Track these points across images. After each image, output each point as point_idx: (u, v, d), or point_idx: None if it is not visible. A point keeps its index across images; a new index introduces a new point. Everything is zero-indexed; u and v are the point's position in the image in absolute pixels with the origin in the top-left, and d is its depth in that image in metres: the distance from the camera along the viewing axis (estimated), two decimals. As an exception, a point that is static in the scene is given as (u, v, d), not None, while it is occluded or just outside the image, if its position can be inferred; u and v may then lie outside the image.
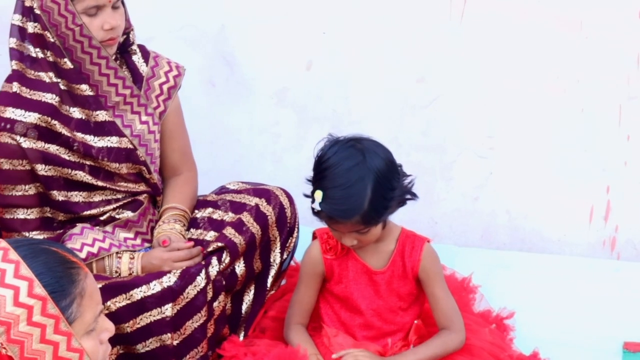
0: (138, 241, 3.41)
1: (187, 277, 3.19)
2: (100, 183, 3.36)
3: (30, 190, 3.30)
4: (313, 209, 3.02)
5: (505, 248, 4.32)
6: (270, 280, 3.51)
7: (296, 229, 3.57)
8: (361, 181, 2.97)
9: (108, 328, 2.18)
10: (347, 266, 3.22)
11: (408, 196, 3.10)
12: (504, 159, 4.31)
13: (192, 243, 3.33)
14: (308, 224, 3.59)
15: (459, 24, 4.17)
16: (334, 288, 3.24)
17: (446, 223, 4.30)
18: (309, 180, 3.13)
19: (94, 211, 3.38)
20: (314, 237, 3.32)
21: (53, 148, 3.28)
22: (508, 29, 4.16)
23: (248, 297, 3.47)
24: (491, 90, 4.23)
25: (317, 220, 3.19)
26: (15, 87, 3.26)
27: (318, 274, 3.26)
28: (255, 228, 3.38)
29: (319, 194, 2.97)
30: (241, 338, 3.40)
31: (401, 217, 3.25)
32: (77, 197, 3.36)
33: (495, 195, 4.34)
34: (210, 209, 3.51)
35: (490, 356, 3.26)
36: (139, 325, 3.15)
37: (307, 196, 3.13)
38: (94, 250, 3.25)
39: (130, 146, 3.36)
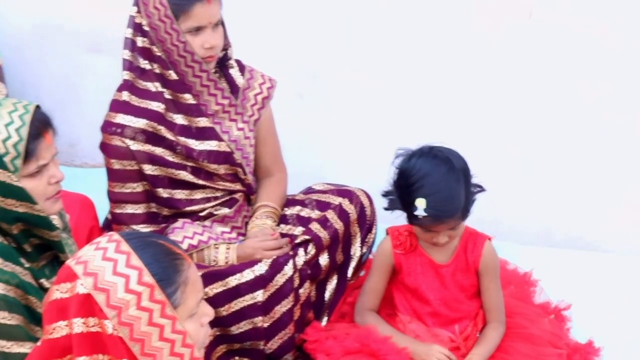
0: (233, 234, 3.48)
1: (276, 266, 3.29)
2: (200, 182, 3.45)
3: (138, 187, 3.41)
4: (416, 215, 3.06)
5: (563, 247, 4.28)
6: (350, 271, 3.56)
7: (375, 226, 3.61)
8: (458, 182, 3.10)
9: (208, 313, 2.22)
10: (415, 260, 3.32)
11: (477, 189, 3.21)
12: (566, 164, 4.31)
13: (278, 234, 3.40)
14: (383, 222, 3.58)
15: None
16: (405, 280, 3.33)
17: (509, 222, 4.30)
18: (386, 194, 3.24)
19: (194, 207, 3.47)
20: (387, 233, 3.39)
21: (159, 150, 3.38)
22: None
23: (331, 286, 3.53)
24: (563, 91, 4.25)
25: (392, 218, 3.30)
26: (126, 95, 3.37)
27: (388, 266, 3.36)
28: (338, 224, 3.45)
29: (421, 202, 3.04)
30: (324, 323, 3.47)
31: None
32: (180, 194, 3.45)
33: (554, 198, 4.35)
34: (298, 207, 3.59)
35: (549, 344, 3.33)
36: (233, 310, 3.27)
37: (388, 208, 3.25)
38: (194, 242, 3.36)
39: (228, 150, 3.43)
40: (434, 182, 3.08)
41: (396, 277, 3.38)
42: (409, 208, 3.10)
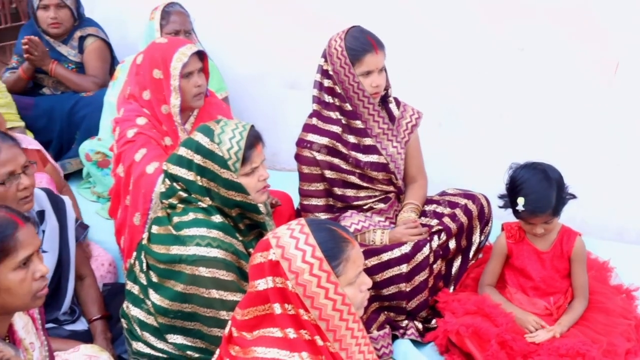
0: (387, 223, 3.49)
1: (417, 247, 3.32)
2: (365, 184, 3.48)
3: (320, 186, 3.46)
4: (517, 210, 3.15)
5: (635, 243, 4.14)
6: (471, 253, 3.57)
7: (491, 221, 3.59)
8: (550, 187, 3.13)
9: (366, 282, 2.26)
10: (523, 248, 3.32)
11: (569, 196, 3.22)
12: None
13: (419, 224, 3.40)
14: (497, 219, 3.59)
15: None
16: (514, 262, 3.35)
17: (592, 222, 4.15)
18: (501, 197, 3.28)
19: (360, 202, 3.49)
20: (502, 228, 3.41)
21: (336, 160, 3.43)
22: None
23: (456, 263, 3.53)
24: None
25: (505, 214, 3.32)
26: (314, 120, 3.45)
27: (503, 253, 3.36)
28: (463, 219, 3.47)
29: (521, 200, 3.12)
30: (451, 290, 3.47)
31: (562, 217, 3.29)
32: (349, 192, 3.48)
33: (629, 202, 4.20)
34: (434, 205, 3.56)
35: (621, 316, 3.29)
36: (384, 277, 3.30)
37: (502, 207, 3.29)
38: (359, 227, 3.40)
39: (385, 162, 3.45)
40: (531, 186, 3.15)
41: (508, 260, 3.40)
42: (513, 205, 3.17)
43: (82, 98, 4.97)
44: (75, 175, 4.82)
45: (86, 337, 3.24)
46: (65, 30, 5.05)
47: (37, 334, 2.42)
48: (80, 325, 3.36)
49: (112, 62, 5.16)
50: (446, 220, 3.47)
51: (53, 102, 5.01)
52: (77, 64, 5.11)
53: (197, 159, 2.93)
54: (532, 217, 3.18)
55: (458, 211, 3.50)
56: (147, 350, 3.02)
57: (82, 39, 5.09)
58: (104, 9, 5.42)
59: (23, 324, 2.37)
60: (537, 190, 3.15)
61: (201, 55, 3.62)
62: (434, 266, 3.40)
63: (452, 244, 3.47)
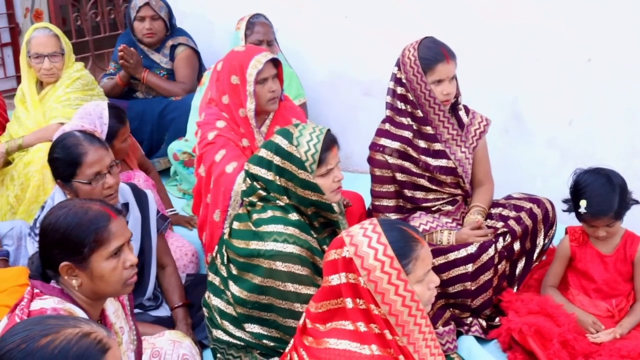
0: (454, 224, 3.43)
1: (482, 248, 3.26)
2: (433, 187, 3.43)
3: (391, 188, 3.41)
4: (579, 213, 3.08)
5: None
6: (535, 255, 3.47)
7: (555, 225, 3.49)
8: (613, 192, 3.05)
9: (434, 280, 2.26)
10: (586, 251, 3.24)
11: (632, 201, 3.13)
12: None
13: (485, 226, 3.35)
14: (561, 223, 3.50)
15: None
16: (578, 265, 3.27)
17: None
18: (565, 201, 3.20)
19: (428, 204, 3.44)
20: (566, 232, 3.33)
21: (407, 164, 3.39)
22: None
23: (520, 264, 3.44)
24: None
25: (569, 218, 3.24)
26: (387, 126, 3.42)
27: (567, 256, 3.29)
28: (528, 222, 3.38)
29: (583, 202, 3.05)
30: (514, 290, 3.41)
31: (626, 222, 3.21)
32: (419, 194, 3.43)
33: None
34: (500, 208, 3.50)
35: None
36: (451, 275, 3.25)
37: (566, 210, 3.20)
38: (427, 227, 3.36)
39: (454, 166, 3.41)
40: (594, 189, 3.08)
41: (571, 262, 3.32)
42: (576, 208, 3.11)
43: (172, 102, 5.07)
44: (163, 173, 4.90)
45: (169, 323, 3.28)
46: (159, 39, 5.16)
47: (126, 319, 2.46)
48: (164, 311, 3.41)
49: (200, 69, 5.25)
50: (511, 223, 3.40)
51: (145, 105, 5.11)
52: (168, 71, 5.21)
53: (277, 160, 2.94)
54: (594, 220, 3.10)
55: (523, 214, 3.43)
56: (226, 337, 3.03)
57: (173, 47, 5.20)
58: (193, 20, 5.52)
59: (114, 310, 2.41)
60: (600, 193, 3.08)
61: (276, 62, 3.65)
62: (499, 266, 3.34)
63: (516, 246, 3.39)
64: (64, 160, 3.11)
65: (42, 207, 3.34)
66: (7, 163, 4.31)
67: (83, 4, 6.46)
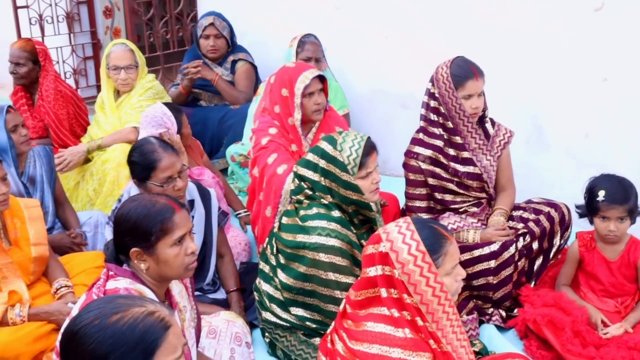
0: (479, 224, 3.40)
1: (504, 246, 3.22)
2: (461, 191, 3.41)
3: (423, 191, 3.39)
4: (597, 201, 3.04)
5: None
6: (552, 254, 3.43)
7: (570, 227, 3.45)
8: (630, 188, 3.05)
9: (461, 273, 2.26)
10: (593, 256, 3.20)
11: None
12: None
13: (507, 226, 3.31)
14: (576, 225, 3.48)
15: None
16: (586, 268, 3.23)
17: None
18: (578, 206, 3.18)
19: (456, 206, 3.43)
20: (576, 236, 3.29)
21: (438, 170, 3.37)
22: None
23: (538, 262, 3.39)
24: None
25: (582, 222, 3.22)
26: (421, 135, 3.40)
27: (576, 259, 3.25)
28: (546, 224, 3.35)
29: (602, 192, 3.02)
30: (532, 285, 3.37)
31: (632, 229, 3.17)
32: (448, 197, 3.41)
33: None
34: (521, 211, 3.47)
35: None
36: (475, 270, 3.21)
37: (579, 212, 3.19)
38: (454, 226, 3.34)
39: (479, 172, 3.38)
40: (611, 183, 3.07)
41: (580, 264, 3.27)
42: (593, 201, 3.07)
43: (230, 110, 5.09)
44: (221, 173, 4.89)
45: (224, 305, 3.30)
46: (221, 55, 5.20)
47: (189, 299, 2.49)
48: (220, 294, 3.42)
49: (256, 81, 5.26)
50: (531, 224, 3.36)
51: (207, 112, 5.14)
52: (229, 83, 5.22)
53: (322, 163, 2.95)
54: (609, 209, 3.05)
55: (542, 217, 3.39)
56: (274, 319, 3.05)
57: (234, 62, 5.22)
58: (252, 38, 5.53)
59: (178, 290, 2.44)
60: (617, 185, 3.07)
61: (322, 78, 3.67)
62: (519, 263, 3.30)
63: (535, 245, 3.35)
64: (141, 164, 3.16)
65: (119, 200, 3.40)
66: (87, 160, 4.36)
67: (155, 23, 6.54)
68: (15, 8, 6.51)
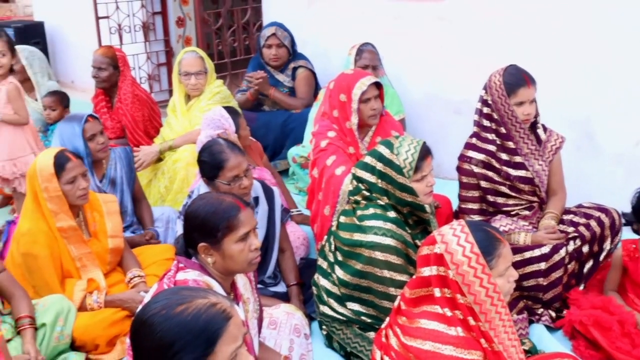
0: (530, 227, 3.30)
1: (555, 249, 3.15)
2: (513, 194, 3.33)
3: (475, 193, 3.33)
4: None
5: None
6: (601, 257, 3.32)
7: (620, 232, 3.33)
8: None
9: (514, 275, 2.20)
10: (637, 266, 3.11)
11: None
12: None
13: (558, 230, 3.23)
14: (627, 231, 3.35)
15: None
16: (631, 275, 3.13)
17: None
18: (624, 214, 3.11)
19: (508, 208, 3.36)
20: (621, 245, 3.21)
21: (490, 173, 3.31)
22: None
23: (588, 265, 3.29)
24: None
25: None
26: (474, 140, 3.32)
27: (621, 266, 3.16)
28: (597, 229, 3.25)
29: None
30: (581, 288, 3.28)
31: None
32: (500, 200, 3.34)
33: None
34: (572, 215, 3.38)
35: None
36: (526, 272, 3.13)
37: (625, 224, 3.11)
38: (506, 229, 3.25)
39: (531, 177, 3.30)
40: None
41: (626, 272, 3.17)
42: (638, 211, 2.98)
43: (292, 114, 5.11)
44: (283, 173, 4.94)
45: (284, 298, 3.31)
46: (282, 62, 5.23)
47: (252, 292, 2.51)
48: (280, 288, 3.43)
49: (316, 87, 5.27)
50: (581, 228, 3.27)
51: (270, 117, 5.16)
52: (290, 88, 5.26)
53: (379, 165, 2.93)
54: None
55: (592, 222, 3.29)
56: (331, 313, 3.04)
57: (294, 69, 5.24)
58: (312, 46, 5.55)
59: (243, 283, 2.45)
60: None
61: (378, 85, 3.65)
62: (569, 266, 3.22)
63: (585, 249, 3.26)
64: (210, 164, 3.18)
65: (189, 196, 3.43)
66: (159, 160, 4.45)
67: (224, 32, 6.63)
68: (97, 18, 6.68)
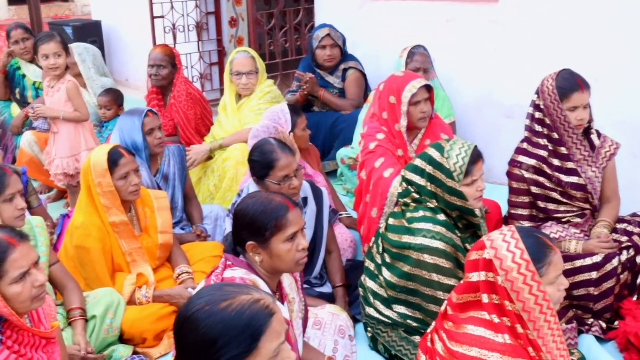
0: (581, 235, 3.25)
1: (607, 258, 3.08)
2: (564, 201, 3.28)
3: (526, 199, 3.28)
4: None
5: None
6: None
7: None
8: None
9: (564, 283, 2.17)
10: None
11: None
12: None
13: (611, 239, 3.16)
14: None
15: None
16: None
17: None
18: None
19: (559, 215, 3.30)
20: None
21: (541, 179, 3.25)
22: None
23: None
24: None
25: None
26: (525, 145, 3.29)
27: None
28: None
29: None
30: (634, 299, 3.18)
31: None
32: (551, 206, 3.28)
33: None
34: (625, 224, 3.30)
35: None
36: (576, 280, 3.05)
37: None
38: (557, 236, 3.19)
39: (584, 183, 3.24)
40: None
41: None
42: None
43: (342, 116, 5.11)
44: (331, 174, 4.95)
45: (330, 299, 3.31)
46: (336, 63, 5.22)
47: (298, 292, 2.51)
48: (326, 289, 3.44)
49: (366, 89, 5.26)
50: (635, 238, 3.19)
51: (320, 118, 5.17)
52: (340, 90, 5.26)
53: (429, 169, 2.91)
54: None
55: (647, 232, 3.20)
56: (377, 315, 3.02)
57: (345, 70, 5.23)
58: (364, 48, 5.54)
59: (289, 283, 2.46)
60: None
61: (429, 88, 3.62)
62: (621, 276, 3.13)
63: (639, 259, 3.17)
64: (261, 163, 3.21)
65: (239, 194, 3.45)
66: (209, 158, 4.49)
67: (276, 32, 6.67)
68: (153, 18, 6.80)
